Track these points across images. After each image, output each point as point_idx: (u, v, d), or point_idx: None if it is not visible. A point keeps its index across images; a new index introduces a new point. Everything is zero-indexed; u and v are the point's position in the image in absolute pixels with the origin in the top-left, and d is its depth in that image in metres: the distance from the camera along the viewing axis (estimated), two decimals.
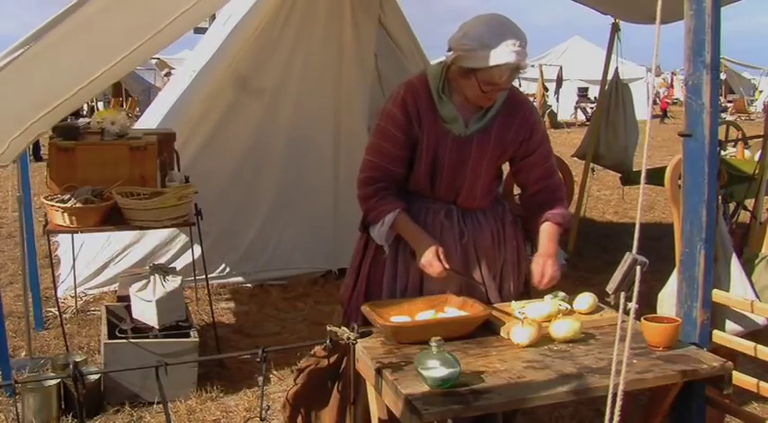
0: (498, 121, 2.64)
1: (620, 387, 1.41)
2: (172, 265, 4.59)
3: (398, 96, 2.63)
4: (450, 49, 2.52)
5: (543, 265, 2.62)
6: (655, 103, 24.26)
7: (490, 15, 2.52)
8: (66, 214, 3.80)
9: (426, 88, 2.61)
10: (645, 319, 2.30)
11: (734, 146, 7.30)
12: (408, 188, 2.72)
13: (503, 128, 2.64)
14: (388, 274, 2.72)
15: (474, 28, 2.47)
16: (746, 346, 2.45)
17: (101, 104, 18.37)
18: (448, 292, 2.58)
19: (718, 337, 2.53)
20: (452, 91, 2.61)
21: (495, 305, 2.60)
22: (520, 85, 16.40)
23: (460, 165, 2.64)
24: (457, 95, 2.61)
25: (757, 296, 2.81)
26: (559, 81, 22.82)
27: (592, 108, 17.15)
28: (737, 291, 2.77)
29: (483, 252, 2.71)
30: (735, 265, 2.82)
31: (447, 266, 2.53)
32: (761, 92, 28.77)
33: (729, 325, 2.72)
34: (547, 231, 2.70)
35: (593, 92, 20.23)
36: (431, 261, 2.53)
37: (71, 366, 1.96)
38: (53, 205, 3.82)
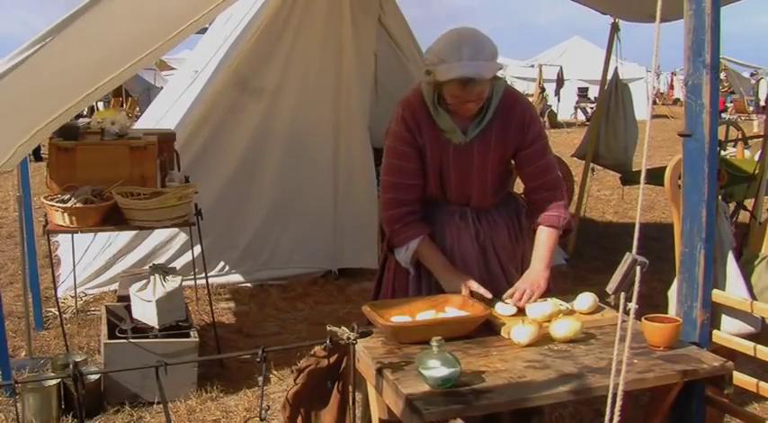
0: (496, 123, 2.66)
1: (620, 387, 1.41)
2: (172, 265, 4.60)
3: (398, 115, 2.71)
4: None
5: (522, 288, 2.60)
6: (654, 103, 24.23)
7: (455, 30, 2.55)
8: (66, 214, 3.80)
9: (422, 102, 2.66)
10: (645, 318, 2.30)
11: (734, 146, 7.30)
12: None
13: (501, 128, 2.67)
14: (413, 277, 2.77)
15: (436, 43, 2.54)
16: (746, 346, 2.46)
17: (101, 104, 18.29)
18: (471, 281, 2.62)
19: (718, 337, 2.53)
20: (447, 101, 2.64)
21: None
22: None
23: (466, 171, 2.69)
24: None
25: (754, 297, 2.81)
26: (560, 81, 22.81)
27: (592, 108, 17.14)
28: (733, 292, 2.76)
29: (501, 248, 2.76)
30: (731, 266, 2.81)
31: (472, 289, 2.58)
32: None
33: (726, 327, 2.71)
34: (539, 242, 2.71)
35: (594, 92, 20.19)
36: (456, 290, 2.60)
37: (71, 366, 1.95)
38: (53, 205, 3.82)
